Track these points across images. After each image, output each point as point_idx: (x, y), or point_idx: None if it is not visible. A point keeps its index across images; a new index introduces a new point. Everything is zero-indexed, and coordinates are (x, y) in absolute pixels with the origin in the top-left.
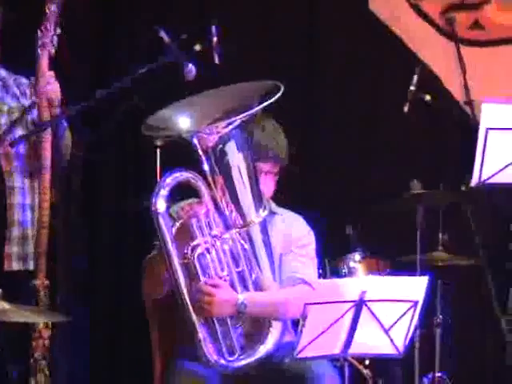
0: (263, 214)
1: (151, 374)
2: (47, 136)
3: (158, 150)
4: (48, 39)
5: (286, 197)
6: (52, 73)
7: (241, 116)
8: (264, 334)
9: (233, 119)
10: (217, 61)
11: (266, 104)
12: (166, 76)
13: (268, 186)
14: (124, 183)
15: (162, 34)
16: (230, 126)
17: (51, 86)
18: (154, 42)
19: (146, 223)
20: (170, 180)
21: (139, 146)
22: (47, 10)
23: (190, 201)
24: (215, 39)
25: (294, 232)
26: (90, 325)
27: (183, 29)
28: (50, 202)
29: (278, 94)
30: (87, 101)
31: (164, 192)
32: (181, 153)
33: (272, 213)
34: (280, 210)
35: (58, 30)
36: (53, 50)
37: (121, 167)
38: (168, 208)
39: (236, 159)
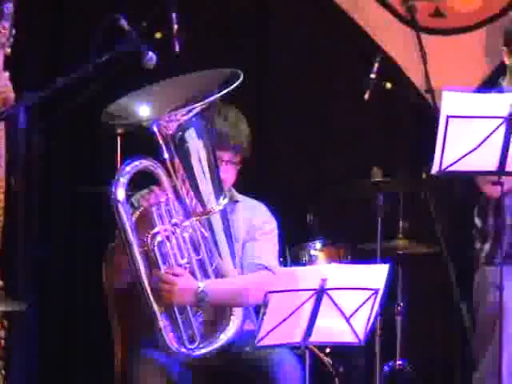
0: (223, 202)
1: (111, 363)
2: (1, 127)
3: (119, 138)
4: (4, 39)
5: (246, 184)
6: (7, 73)
7: (200, 103)
8: (225, 323)
9: (192, 106)
10: (177, 49)
11: (225, 92)
12: (125, 64)
13: (229, 174)
14: (82, 171)
15: (123, 22)
16: (190, 114)
17: (5, 87)
18: (110, 29)
19: (104, 211)
20: (130, 168)
21: (96, 134)
22: (3, 10)
23: (150, 189)
24: (176, 27)
25: (256, 219)
26: (42, 314)
27: (142, 17)
28: (4, 191)
29: (238, 82)
30: (45, 89)
31: (123, 180)
32: (141, 141)
33: (234, 201)
34: (242, 198)
35: (14, 31)
36: (9, 50)
37: (77, 155)
38: (128, 196)
39: (196, 147)
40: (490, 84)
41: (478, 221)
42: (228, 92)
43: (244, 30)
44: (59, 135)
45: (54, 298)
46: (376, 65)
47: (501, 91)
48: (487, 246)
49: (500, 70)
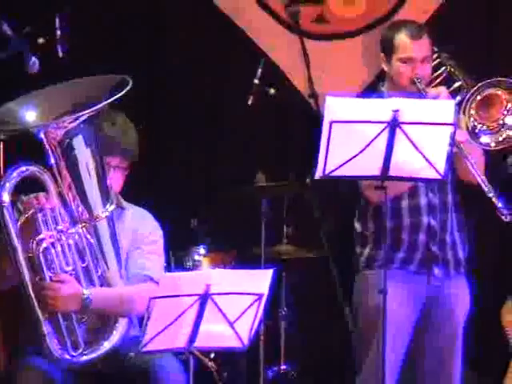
0: (110, 208)
1: None
2: None
3: (1, 144)
4: None
5: (133, 188)
6: None
7: (88, 110)
8: (109, 329)
9: (80, 113)
10: (61, 54)
11: (113, 98)
12: (10, 69)
13: (117, 180)
14: None
15: (5, 27)
16: (78, 121)
17: None
18: None
19: None
20: (16, 174)
21: None
22: None
23: (37, 194)
24: (59, 32)
25: (141, 228)
26: None
27: (26, 21)
28: None
29: (126, 89)
30: None
31: (9, 185)
32: (28, 147)
33: (120, 208)
34: (128, 206)
35: None
36: None
37: None
38: (13, 201)
39: (83, 154)
40: (373, 89)
41: (357, 225)
42: (118, 97)
43: (133, 35)
44: None
45: None
46: (260, 70)
47: (381, 96)
48: (367, 250)
49: (382, 76)
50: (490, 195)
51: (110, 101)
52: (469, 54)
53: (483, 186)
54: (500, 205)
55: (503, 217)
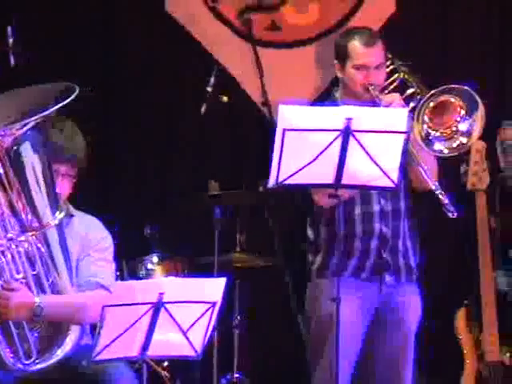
0: (60, 216)
1: None
2: None
3: None
4: None
5: (85, 196)
6: None
7: (35, 117)
8: (62, 337)
9: (27, 120)
10: (12, 62)
11: (60, 105)
12: None
13: (65, 188)
14: None
15: None
16: (25, 128)
17: None
18: None
19: None
20: None
21: None
22: None
23: None
24: (11, 41)
25: (91, 235)
26: None
27: None
28: None
29: (73, 96)
30: None
31: None
32: None
33: (70, 215)
34: (77, 213)
35: None
36: None
37: None
38: None
39: (31, 161)
40: (326, 97)
41: (310, 233)
42: (70, 106)
43: (86, 42)
44: None
45: None
46: (212, 78)
47: (335, 104)
48: (319, 258)
49: (336, 83)
50: (437, 192)
51: (57, 107)
52: (422, 60)
53: (435, 190)
54: (446, 201)
55: (450, 214)
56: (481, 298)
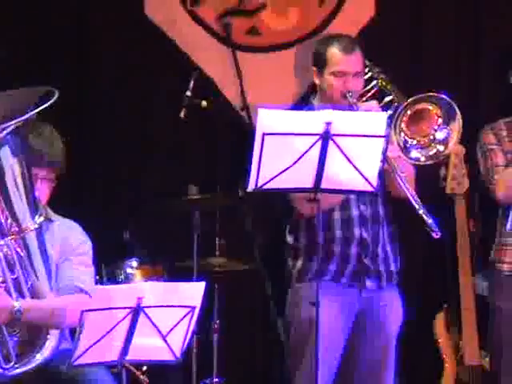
0: (39, 220)
1: None
2: None
3: None
4: None
5: (64, 200)
6: None
7: (14, 121)
8: (41, 342)
9: (6, 125)
10: None
11: (39, 109)
12: None
13: (44, 192)
14: None
15: None
16: (4, 132)
17: None
18: None
19: None
20: None
21: None
22: None
23: None
24: None
25: (70, 240)
26: None
27: None
28: None
29: (52, 100)
30: None
31: None
32: None
33: (49, 220)
34: (57, 217)
35: None
36: None
37: None
38: None
39: (10, 165)
40: (304, 102)
41: (289, 238)
42: (45, 109)
43: (62, 44)
44: None
45: None
46: (192, 82)
47: (312, 109)
48: (299, 263)
49: (314, 89)
50: (420, 212)
51: (36, 111)
52: (399, 67)
53: (413, 202)
54: (430, 221)
55: (434, 233)
56: (460, 301)
